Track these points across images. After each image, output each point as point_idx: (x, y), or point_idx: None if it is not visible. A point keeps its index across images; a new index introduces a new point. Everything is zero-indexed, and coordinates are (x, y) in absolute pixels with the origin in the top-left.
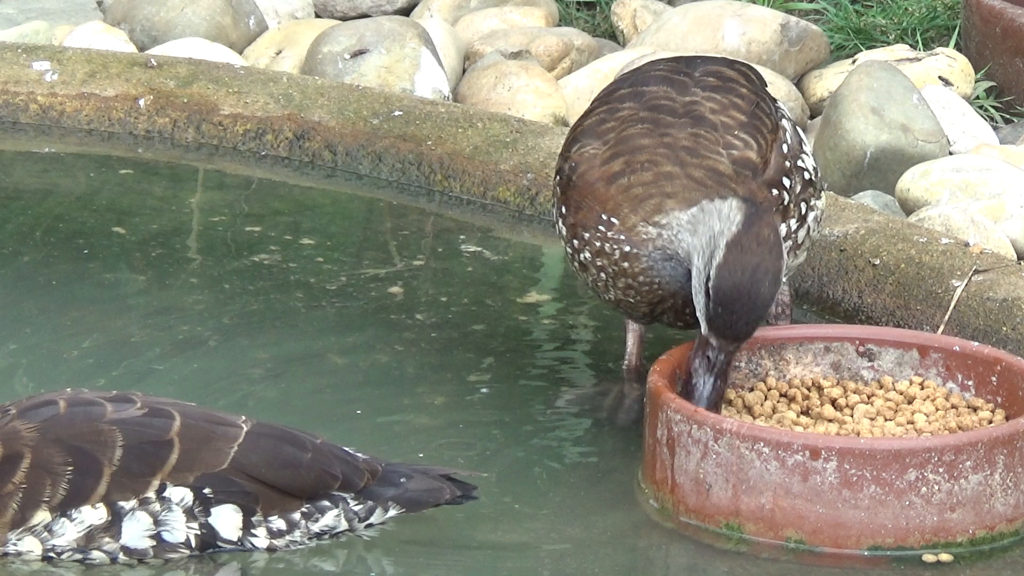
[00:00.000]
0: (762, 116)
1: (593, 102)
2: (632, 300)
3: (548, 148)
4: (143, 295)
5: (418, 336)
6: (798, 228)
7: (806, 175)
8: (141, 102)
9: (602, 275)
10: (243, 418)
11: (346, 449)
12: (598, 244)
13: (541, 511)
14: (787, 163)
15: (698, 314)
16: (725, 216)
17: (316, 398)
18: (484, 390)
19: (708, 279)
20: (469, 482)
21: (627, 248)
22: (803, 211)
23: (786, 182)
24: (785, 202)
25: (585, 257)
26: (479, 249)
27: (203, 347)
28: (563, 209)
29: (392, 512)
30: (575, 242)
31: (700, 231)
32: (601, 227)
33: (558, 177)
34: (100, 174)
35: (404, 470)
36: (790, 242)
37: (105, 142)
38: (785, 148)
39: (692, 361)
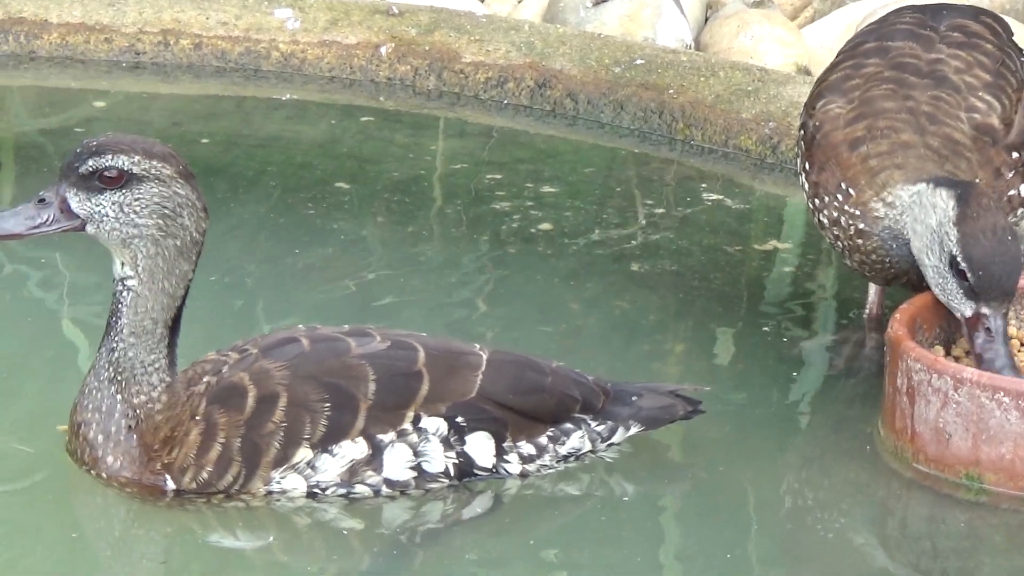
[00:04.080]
0: (1007, 75)
1: (838, 55)
2: (867, 273)
3: (790, 97)
4: (382, 241)
5: (658, 283)
6: None
7: None
8: (383, 50)
9: (838, 244)
10: (478, 346)
11: (578, 371)
12: (835, 214)
13: (780, 457)
14: None
15: (956, 303)
16: (940, 208)
17: (553, 344)
18: (724, 338)
19: (954, 262)
20: (694, 397)
21: (861, 225)
22: None
23: None
24: None
25: (823, 219)
26: (720, 197)
27: (441, 291)
28: (807, 166)
29: (633, 430)
30: (816, 201)
31: (919, 230)
32: (839, 196)
33: (802, 132)
34: (341, 122)
35: (632, 388)
36: None
37: (346, 90)
38: None
39: (974, 345)
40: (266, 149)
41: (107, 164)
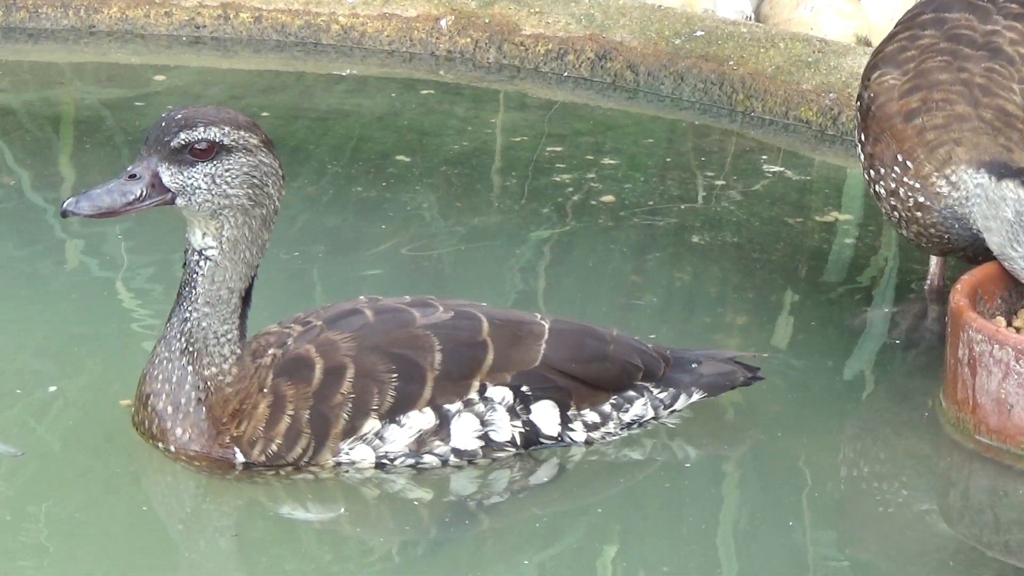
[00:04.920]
0: None
1: (896, 26)
2: (923, 244)
3: (850, 68)
4: (443, 214)
5: (719, 255)
6: None
7: None
8: (443, 23)
9: (895, 214)
10: (539, 315)
11: (638, 339)
12: (893, 185)
13: (840, 427)
14: None
15: None
16: (1011, 199)
17: (614, 315)
18: (785, 309)
19: None
20: (752, 364)
21: (921, 199)
22: None
23: None
24: None
25: (880, 190)
26: (781, 169)
27: (501, 263)
28: (862, 137)
29: (695, 397)
30: (872, 172)
31: (995, 227)
32: (897, 168)
33: (858, 103)
34: (401, 95)
35: (691, 355)
36: None
37: (406, 63)
38: None
39: None
40: (326, 122)
41: (198, 137)
